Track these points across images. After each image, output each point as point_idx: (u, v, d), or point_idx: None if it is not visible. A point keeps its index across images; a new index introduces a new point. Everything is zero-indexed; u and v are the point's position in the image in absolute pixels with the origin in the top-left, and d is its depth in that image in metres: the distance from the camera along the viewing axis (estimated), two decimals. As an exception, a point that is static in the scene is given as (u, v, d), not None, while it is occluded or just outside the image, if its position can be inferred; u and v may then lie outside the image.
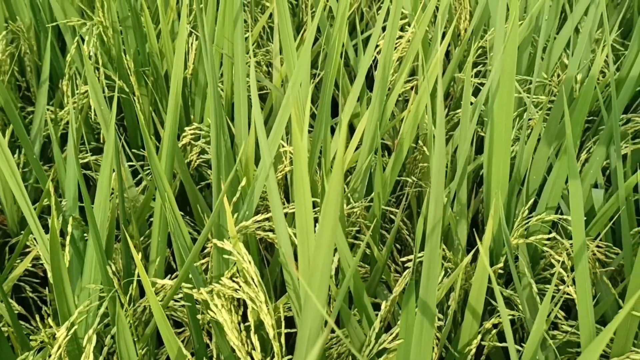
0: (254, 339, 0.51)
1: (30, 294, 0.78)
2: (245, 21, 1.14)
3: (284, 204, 0.81)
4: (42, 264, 0.80)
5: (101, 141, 0.98)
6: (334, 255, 0.62)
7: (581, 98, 0.67)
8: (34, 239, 0.68)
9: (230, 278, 0.55)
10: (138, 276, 0.68)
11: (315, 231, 0.50)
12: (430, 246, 0.46)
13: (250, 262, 0.52)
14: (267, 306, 0.51)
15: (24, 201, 0.60)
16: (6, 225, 0.84)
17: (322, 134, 0.79)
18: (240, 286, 0.52)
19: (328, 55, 0.76)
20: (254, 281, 0.52)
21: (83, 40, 0.91)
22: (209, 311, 0.55)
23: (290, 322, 0.70)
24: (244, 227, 0.63)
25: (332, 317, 0.50)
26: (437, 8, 0.99)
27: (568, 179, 0.50)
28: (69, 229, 0.63)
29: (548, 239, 0.66)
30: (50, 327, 0.60)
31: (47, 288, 0.79)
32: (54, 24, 0.92)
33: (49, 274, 0.63)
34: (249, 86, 0.90)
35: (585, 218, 0.71)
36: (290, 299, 0.56)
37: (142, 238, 0.79)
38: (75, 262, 0.61)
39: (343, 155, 0.38)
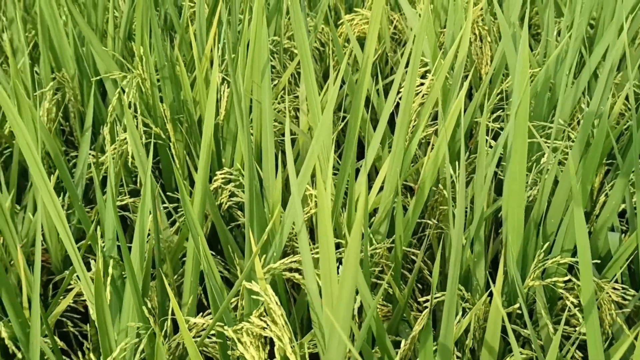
0: (281, 375, 0.54)
1: (72, 329, 0.83)
2: (274, 67, 1.20)
3: (310, 245, 0.85)
4: (83, 300, 0.84)
5: (139, 184, 1.04)
6: (356, 296, 0.66)
7: (594, 144, 0.69)
8: (77, 277, 0.73)
9: (259, 317, 0.59)
10: (172, 313, 0.73)
11: (338, 273, 0.53)
12: (450, 292, 0.49)
13: (277, 303, 0.56)
14: (291, 345, 0.54)
15: (70, 243, 0.65)
16: (50, 263, 0.89)
17: (347, 177, 0.83)
18: (267, 325, 0.56)
19: (353, 105, 0.80)
20: (280, 321, 0.55)
21: (123, 90, 0.98)
22: (238, 347, 0.59)
23: (315, 358, 0.73)
24: (272, 268, 0.67)
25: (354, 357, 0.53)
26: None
27: (575, 227, 0.53)
28: (110, 270, 0.67)
29: (564, 281, 0.69)
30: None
31: (87, 323, 0.84)
32: (98, 77, 0.98)
33: (91, 311, 0.67)
34: (276, 131, 0.95)
35: (600, 261, 0.74)
36: (316, 337, 0.59)
37: (175, 277, 0.84)
38: (115, 301, 0.66)
39: (363, 213, 0.42)
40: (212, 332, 0.68)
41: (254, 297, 0.61)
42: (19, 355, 0.75)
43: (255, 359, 0.55)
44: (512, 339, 0.50)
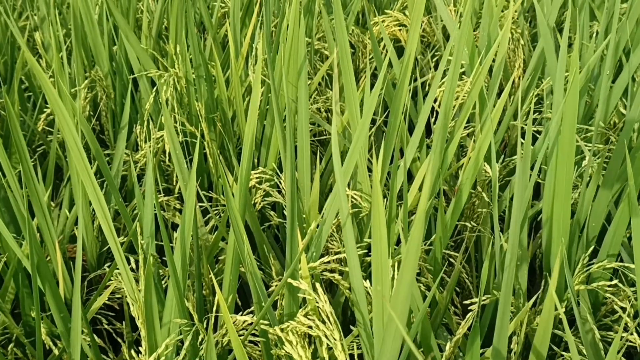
0: (329, 374, 0.54)
1: (107, 326, 0.83)
2: (305, 69, 1.20)
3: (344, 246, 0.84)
4: (118, 298, 0.84)
5: (171, 182, 1.04)
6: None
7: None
8: (118, 274, 0.73)
9: (305, 316, 0.58)
10: (211, 312, 0.72)
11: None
12: (504, 290, 0.48)
13: (326, 301, 0.55)
14: (341, 344, 0.54)
15: (113, 238, 0.65)
16: (85, 260, 0.89)
17: (385, 176, 0.82)
18: (316, 324, 0.55)
19: (393, 105, 0.80)
20: (329, 319, 0.55)
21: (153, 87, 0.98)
22: (283, 347, 0.58)
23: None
24: (312, 267, 0.67)
25: (404, 356, 0.53)
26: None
27: (631, 227, 0.52)
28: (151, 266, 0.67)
29: (609, 286, 0.68)
30: (131, 357, 0.64)
31: (122, 321, 0.84)
32: (135, 75, 0.98)
33: (131, 308, 0.67)
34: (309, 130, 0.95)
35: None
36: (361, 337, 0.59)
37: (209, 275, 0.84)
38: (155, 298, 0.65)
39: (425, 207, 0.41)
40: (253, 331, 0.68)
41: (300, 295, 0.60)
42: (56, 352, 0.75)
43: (303, 358, 0.54)
44: (571, 342, 0.49)
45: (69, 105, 0.73)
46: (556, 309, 0.69)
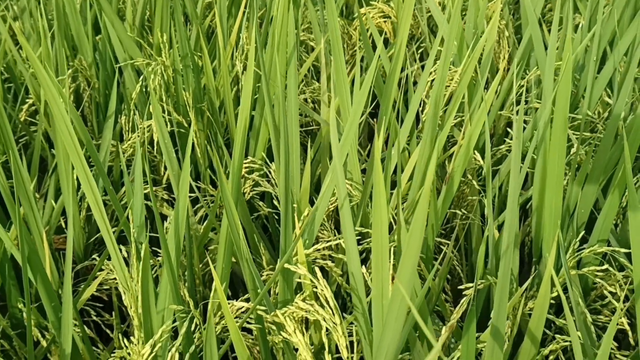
0: (328, 358, 0.54)
1: (95, 318, 0.82)
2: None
3: (335, 235, 0.84)
4: (106, 289, 0.83)
5: (157, 173, 1.03)
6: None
7: (632, 135, 0.70)
8: (110, 264, 0.72)
9: (303, 301, 0.58)
10: (206, 299, 0.72)
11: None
12: (502, 274, 0.49)
13: (326, 286, 0.55)
14: (341, 328, 0.54)
15: (106, 229, 0.64)
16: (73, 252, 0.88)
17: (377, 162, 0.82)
18: (315, 308, 0.55)
19: (385, 91, 0.80)
20: (328, 304, 0.55)
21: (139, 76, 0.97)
22: (281, 332, 0.58)
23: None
24: (307, 254, 0.66)
25: (403, 339, 0.53)
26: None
27: (628, 211, 0.53)
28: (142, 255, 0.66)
29: (600, 271, 0.69)
30: (125, 346, 0.64)
31: (110, 312, 0.83)
32: (122, 64, 0.97)
33: (124, 297, 0.66)
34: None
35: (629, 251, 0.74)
36: (358, 322, 0.59)
37: (200, 265, 0.83)
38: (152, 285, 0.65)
39: (428, 196, 0.41)
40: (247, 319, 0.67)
41: (295, 280, 0.60)
42: (44, 343, 0.74)
43: (302, 342, 0.54)
44: (570, 324, 0.49)
45: (58, 92, 0.71)
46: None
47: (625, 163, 0.54)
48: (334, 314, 0.55)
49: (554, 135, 0.67)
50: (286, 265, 0.60)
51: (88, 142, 0.72)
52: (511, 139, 0.98)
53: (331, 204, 0.86)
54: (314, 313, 0.55)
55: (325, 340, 0.55)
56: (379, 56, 0.98)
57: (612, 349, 0.67)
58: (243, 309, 0.65)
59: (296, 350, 0.63)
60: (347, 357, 0.53)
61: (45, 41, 0.84)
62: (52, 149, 0.99)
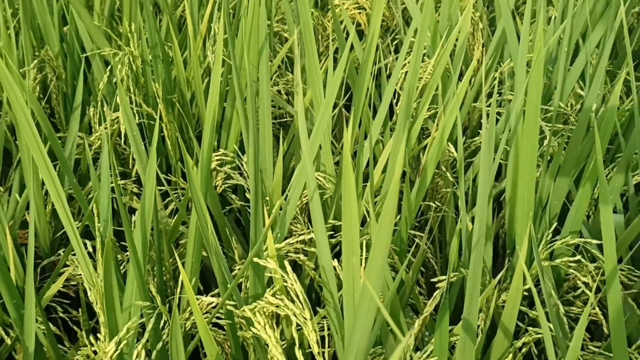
0: (299, 354, 0.53)
1: (62, 314, 0.80)
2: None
3: (309, 228, 0.83)
4: (73, 285, 0.81)
5: (127, 166, 1.00)
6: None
7: (603, 127, 0.69)
8: (75, 259, 0.70)
9: (273, 295, 0.57)
10: (172, 295, 0.70)
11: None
12: (474, 266, 0.48)
13: (295, 280, 0.54)
14: (312, 322, 0.53)
15: (68, 221, 0.62)
16: (38, 247, 0.85)
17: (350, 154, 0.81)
18: (284, 303, 0.54)
19: (358, 83, 0.79)
20: (298, 298, 0.53)
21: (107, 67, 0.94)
22: (251, 328, 0.57)
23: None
24: (278, 248, 0.65)
25: (374, 334, 0.52)
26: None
27: (600, 204, 0.53)
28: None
29: (572, 262, 0.69)
30: (90, 344, 0.62)
31: (78, 309, 0.81)
32: (88, 54, 0.95)
33: (90, 294, 0.64)
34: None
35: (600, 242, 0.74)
36: (329, 316, 0.58)
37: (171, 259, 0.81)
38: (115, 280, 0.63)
39: (398, 186, 0.40)
40: (217, 314, 0.66)
41: (266, 275, 0.59)
42: (8, 341, 0.71)
43: (272, 339, 0.53)
44: (541, 316, 0.49)
45: (18, 82, 0.69)
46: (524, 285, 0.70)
47: (596, 154, 0.54)
48: (304, 309, 0.54)
49: (526, 126, 0.67)
50: (255, 259, 0.58)
51: (50, 134, 0.70)
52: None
53: (304, 197, 0.85)
54: (284, 308, 0.54)
55: (295, 335, 0.54)
56: (352, 45, 0.97)
57: (584, 340, 0.67)
58: (213, 304, 0.64)
59: (267, 345, 0.62)
60: (318, 352, 0.52)
61: (6, 31, 0.82)
62: (16, 141, 0.96)
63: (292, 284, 0.54)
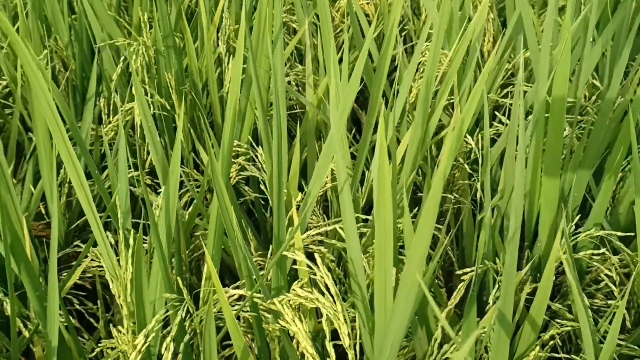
0: (329, 346, 0.52)
1: (78, 306, 0.79)
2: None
3: (324, 220, 0.83)
4: (88, 277, 0.80)
5: (140, 157, 0.99)
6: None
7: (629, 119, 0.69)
8: (97, 251, 0.69)
9: (301, 288, 0.57)
10: (193, 286, 0.70)
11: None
12: (509, 259, 0.48)
13: (326, 273, 0.53)
14: (343, 316, 0.52)
15: (92, 212, 0.61)
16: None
17: (366, 152, 0.81)
18: (315, 296, 0.53)
19: (377, 74, 0.78)
20: (329, 291, 0.53)
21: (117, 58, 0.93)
22: (278, 320, 0.56)
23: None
24: (303, 239, 0.65)
25: (402, 328, 0.52)
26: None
27: (636, 195, 0.52)
28: (131, 241, 0.64)
29: (596, 254, 0.68)
30: (111, 336, 0.61)
31: (94, 301, 0.80)
32: (104, 44, 0.93)
33: (112, 286, 0.64)
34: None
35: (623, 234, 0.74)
36: (357, 309, 0.57)
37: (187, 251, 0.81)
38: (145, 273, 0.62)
39: (443, 182, 0.40)
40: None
41: (296, 267, 0.58)
42: (26, 333, 0.71)
43: (302, 331, 0.53)
44: (580, 309, 0.49)
45: (39, 69, 0.68)
46: (535, 281, 0.70)
47: (632, 146, 0.54)
48: (334, 302, 0.53)
49: (552, 117, 0.66)
50: (287, 253, 0.58)
51: (71, 122, 0.69)
52: (499, 123, 0.97)
53: (320, 189, 0.84)
54: (314, 300, 0.54)
55: (326, 328, 0.53)
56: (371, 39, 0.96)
57: (607, 332, 0.67)
58: (235, 297, 0.63)
59: (292, 338, 0.61)
60: (349, 345, 0.52)
61: (23, 19, 0.80)
62: (28, 133, 0.95)
63: (323, 277, 0.54)
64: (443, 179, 0.39)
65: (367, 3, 1.27)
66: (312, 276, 0.58)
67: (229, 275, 0.89)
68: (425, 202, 0.40)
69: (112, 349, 0.67)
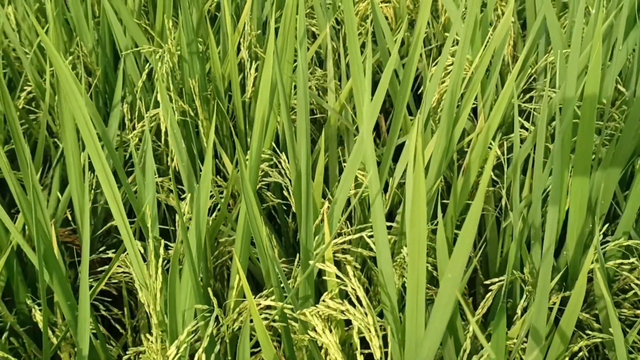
0: (360, 359, 0.53)
1: (104, 313, 0.80)
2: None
3: (348, 226, 0.83)
4: (114, 283, 0.81)
5: (160, 163, 1.00)
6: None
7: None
8: (127, 259, 0.70)
9: (331, 299, 0.57)
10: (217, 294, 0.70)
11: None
12: (544, 271, 0.48)
13: (358, 286, 0.53)
14: (375, 328, 0.52)
15: (123, 223, 0.62)
16: (78, 245, 0.85)
17: (390, 160, 0.81)
18: (346, 307, 0.53)
19: (403, 80, 0.78)
20: (361, 303, 0.53)
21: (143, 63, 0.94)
22: (308, 332, 0.57)
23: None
24: (330, 249, 0.65)
25: (438, 340, 0.52)
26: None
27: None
28: (161, 250, 0.64)
29: (624, 264, 0.68)
30: (140, 343, 0.62)
31: (120, 308, 0.80)
32: (130, 51, 0.94)
33: (141, 294, 0.64)
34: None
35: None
36: (387, 320, 0.57)
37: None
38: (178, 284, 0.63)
39: (484, 195, 0.40)
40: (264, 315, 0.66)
41: (325, 277, 0.58)
42: (54, 341, 0.71)
43: (332, 343, 0.53)
44: (613, 318, 0.48)
45: (72, 77, 0.69)
46: (564, 290, 0.70)
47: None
48: (366, 314, 0.53)
49: (582, 123, 0.66)
50: (319, 265, 0.58)
51: (102, 129, 0.69)
52: (521, 128, 0.97)
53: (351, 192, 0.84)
54: (345, 312, 0.54)
55: (357, 339, 0.54)
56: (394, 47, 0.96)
57: (635, 342, 0.66)
58: (261, 306, 0.64)
59: (320, 348, 0.61)
60: (380, 357, 0.52)
61: (55, 25, 0.81)
62: (52, 138, 0.96)
63: (354, 289, 0.54)
64: (482, 200, 0.39)
65: (386, 5, 1.27)
66: (342, 287, 0.58)
67: (251, 281, 0.89)
68: (466, 222, 0.40)
69: (138, 354, 0.67)
